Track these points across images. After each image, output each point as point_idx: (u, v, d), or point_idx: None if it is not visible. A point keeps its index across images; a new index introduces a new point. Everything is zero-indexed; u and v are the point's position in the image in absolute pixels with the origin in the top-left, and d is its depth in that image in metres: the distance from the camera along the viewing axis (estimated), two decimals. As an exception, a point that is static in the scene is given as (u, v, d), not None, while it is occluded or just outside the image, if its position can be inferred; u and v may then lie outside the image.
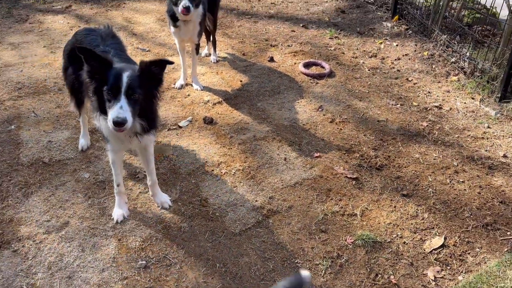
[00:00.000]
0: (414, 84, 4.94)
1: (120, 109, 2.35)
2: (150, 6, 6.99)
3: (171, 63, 2.59)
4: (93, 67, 2.46)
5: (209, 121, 4.19)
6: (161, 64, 2.53)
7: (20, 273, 2.66)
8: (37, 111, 4.18)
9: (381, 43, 5.83)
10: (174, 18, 4.27)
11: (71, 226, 3.00)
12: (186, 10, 3.91)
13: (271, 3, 7.32)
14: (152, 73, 2.52)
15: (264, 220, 3.12)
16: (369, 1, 7.02)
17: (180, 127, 4.11)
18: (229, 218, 3.12)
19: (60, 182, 3.36)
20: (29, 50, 5.35)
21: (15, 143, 3.76)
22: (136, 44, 5.64)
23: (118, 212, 3.07)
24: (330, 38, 5.94)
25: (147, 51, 5.50)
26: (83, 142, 3.72)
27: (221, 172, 3.56)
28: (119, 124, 2.34)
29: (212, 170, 3.58)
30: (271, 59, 5.34)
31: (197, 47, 4.66)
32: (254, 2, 7.39)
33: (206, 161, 3.67)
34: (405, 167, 3.68)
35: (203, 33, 4.81)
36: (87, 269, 2.71)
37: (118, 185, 3.05)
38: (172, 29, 4.39)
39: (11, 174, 3.42)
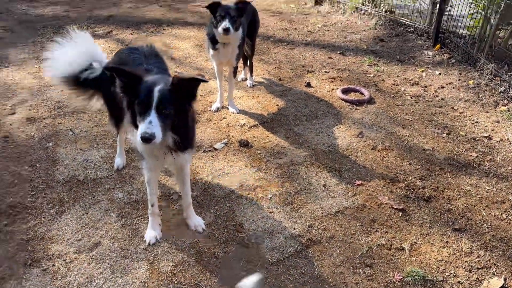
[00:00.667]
0: (460, 113, 4.69)
1: (149, 124, 2.27)
2: (189, 32, 7.11)
3: (206, 81, 2.40)
4: (124, 82, 2.41)
5: (244, 144, 4.07)
6: (194, 82, 2.42)
7: (48, 294, 2.55)
8: (74, 129, 4.19)
9: (422, 71, 5.64)
10: (213, 41, 4.26)
11: (103, 246, 2.89)
12: (226, 31, 3.90)
13: (308, 31, 7.30)
14: (185, 88, 2.41)
15: (304, 250, 2.91)
16: (409, 30, 6.88)
17: (216, 149, 4.01)
18: (266, 246, 2.94)
19: (94, 201, 3.29)
20: (70, 71, 5.46)
21: (52, 160, 3.74)
22: (175, 68, 5.67)
23: (151, 234, 2.96)
24: (368, 65, 5.81)
25: (185, 74, 5.51)
26: (119, 161, 3.67)
27: (257, 197, 3.40)
28: (146, 140, 2.26)
29: (248, 194, 3.42)
30: (308, 85, 5.24)
31: (235, 71, 4.63)
32: (290, 30, 7.40)
33: (241, 185, 3.53)
34: (456, 199, 3.41)
35: (240, 58, 4.78)
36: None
37: (152, 205, 2.95)
38: (211, 52, 4.38)
39: (46, 190, 3.38)
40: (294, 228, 3.08)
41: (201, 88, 5.14)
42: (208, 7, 4.09)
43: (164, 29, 7.17)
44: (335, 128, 4.35)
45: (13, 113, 4.46)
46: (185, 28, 7.33)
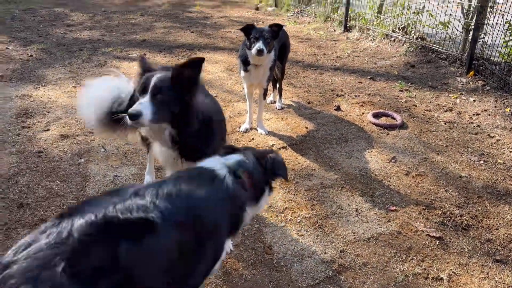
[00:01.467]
0: (497, 140, 4.52)
1: (139, 104, 2.27)
2: (219, 56, 7.23)
3: (202, 60, 2.30)
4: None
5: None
6: (194, 64, 2.32)
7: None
8: (106, 146, 4.25)
9: (456, 97, 5.52)
10: (245, 62, 4.30)
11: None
12: (260, 52, 3.93)
13: (337, 57, 7.31)
14: (186, 77, 2.33)
15: (335, 276, 2.79)
16: (441, 57, 6.79)
17: (244, 170, 3.97)
18: (295, 270, 2.83)
19: (123, 217, 3.28)
20: (104, 91, 5.60)
21: (83, 176, 3.79)
22: (204, 89, 5.74)
23: None
24: (400, 91, 5.73)
25: (215, 97, 5.55)
26: (148, 178, 3.70)
27: (286, 219, 3.32)
28: (132, 116, 2.22)
29: (277, 216, 3.34)
30: (338, 108, 5.19)
31: (265, 93, 4.64)
32: (319, 55, 7.43)
33: (270, 206, 3.46)
34: (496, 229, 3.23)
35: (270, 81, 4.80)
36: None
37: None
38: (242, 73, 4.42)
39: (76, 205, 3.40)
40: (325, 253, 2.96)
41: (230, 109, 5.16)
42: (242, 29, 4.17)
43: (195, 53, 7.32)
44: (367, 152, 4.25)
45: (48, 130, 4.57)
46: (215, 52, 7.47)
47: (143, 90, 2.35)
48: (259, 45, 3.95)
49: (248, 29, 4.11)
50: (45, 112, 4.98)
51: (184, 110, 2.38)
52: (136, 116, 2.22)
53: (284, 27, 4.40)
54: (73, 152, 4.14)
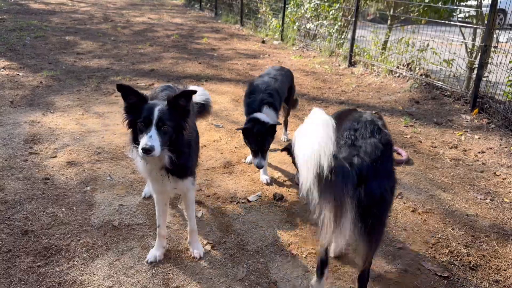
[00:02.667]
0: (503, 179, 4.52)
1: (150, 137, 2.51)
2: (225, 87, 7.35)
3: (195, 92, 2.70)
4: (130, 103, 2.65)
5: (279, 198, 4.02)
6: (186, 96, 2.67)
7: None
8: (112, 175, 4.26)
9: (461, 134, 5.55)
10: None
11: (133, 295, 2.80)
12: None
13: (342, 91, 7.41)
14: (180, 106, 2.67)
15: (342, 314, 2.74)
16: (445, 94, 6.88)
17: (249, 201, 3.97)
18: (301, 307, 2.78)
19: (127, 247, 3.25)
20: (111, 120, 5.67)
21: (88, 204, 3.78)
22: (211, 120, 5.81)
23: (153, 253, 3.15)
24: (405, 126, 5.77)
25: (221, 127, 5.62)
26: (146, 190, 3.93)
27: (292, 254, 3.28)
28: (146, 151, 2.48)
29: (282, 250, 3.31)
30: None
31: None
32: (324, 89, 7.53)
33: (275, 239, 3.43)
34: (504, 270, 3.18)
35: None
36: None
37: (158, 227, 3.14)
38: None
39: (81, 234, 3.38)
40: (331, 290, 2.92)
41: (236, 140, 5.20)
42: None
43: (202, 84, 7.44)
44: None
45: (55, 156, 4.60)
46: (222, 83, 7.59)
47: (147, 122, 2.56)
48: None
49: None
50: (53, 139, 5.02)
51: (179, 135, 2.71)
52: (150, 151, 2.49)
53: (285, 64, 4.46)
54: (79, 180, 4.15)
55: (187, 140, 2.81)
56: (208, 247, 3.30)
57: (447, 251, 3.35)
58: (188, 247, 3.27)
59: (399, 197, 4.07)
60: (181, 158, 2.77)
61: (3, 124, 5.34)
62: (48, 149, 4.75)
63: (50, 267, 3.01)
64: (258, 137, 3.96)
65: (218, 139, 5.19)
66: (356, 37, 8.97)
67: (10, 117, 5.59)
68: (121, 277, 2.96)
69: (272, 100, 4.15)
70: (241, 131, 4.13)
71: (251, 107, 4.15)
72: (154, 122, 2.55)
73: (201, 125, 5.57)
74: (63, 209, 3.68)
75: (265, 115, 4.04)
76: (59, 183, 4.08)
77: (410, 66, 7.77)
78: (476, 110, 6.12)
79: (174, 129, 2.66)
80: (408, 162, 4.76)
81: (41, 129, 5.27)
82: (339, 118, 2.64)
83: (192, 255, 3.21)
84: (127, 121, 2.71)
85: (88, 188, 4.03)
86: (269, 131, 3.99)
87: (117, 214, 3.65)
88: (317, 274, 2.78)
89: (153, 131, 2.54)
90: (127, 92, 2.66)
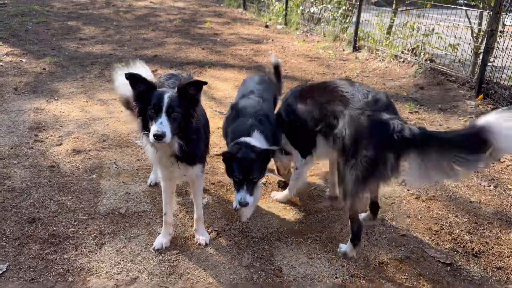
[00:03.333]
0: (508, 166, 4.52)
1: (160, 124, 2.55)
2: (229, 74, 7.32)
3: (205, 83, 2.72)
4: (139, 91, 2.68)
5: (283, 185, 4.04)
6: (196, 85, 2.70)
7: (85, 327, 2.51)
8: (118, 162, 4.29)
9: (466, 121, 5.53)
10: None
11: (140, 282, 2.85)
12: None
13: (346, 76, 7.36)
14: (190, 94, 2.69)
15: (346, 300, 2.78)
16: (450, 79, 6.83)
17: (254, 189, 3.98)
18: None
19: (134, 235, 3.30)
20: (115, 107, 5.68)
21: (95, 191, 3.82)
22: (215, 107, 5.80)
23: (159, 240, 3.19)
24: (409, 112, 5.75)
25: (225, 114, 5.61)
26: (152, 177, 3.94)
27: (296, 240, 3.32)
28: (158, 137, 2.52)
29: (287, 237, 3.35)
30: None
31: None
32: (328, 74, 7.49)
33: (280, 227, 3.47)
34: (507, 256, 3.21)
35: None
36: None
37: (165, 214, 3.17)
38: None
39: (88, 222, 3.42)
40: (336, 277, 2.95)
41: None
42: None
43: (206, 70, 7.41)
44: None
45: (60, 144, 4.63)
46: (225, 70, 7.56)
47: (157, 109, 2.59)
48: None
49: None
50: (58, 126, 5.04)
51: (188, 123, 2.74)
52: (161, 137, 2.53)
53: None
54: (85, 168, 4.18)
55: (195, 127, 2.84)
56: (214, 235, 3.34)
57: (450, 238, 3.38)
58: (194, 234, 3.31)
59: (403, 184, 4.09)
60: (190, 145, 2.80)
61: (8, 112, 5.36)
62: (53, 137, 4.78)
63: (58, 254, 3.06)
64: (245, 163, 2.98)
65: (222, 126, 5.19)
66: (360, 21, 8.87)
67: (15, 104, 5.60)
68: (128, 264, 3.01)
69: (262, 126, 3.24)
70: (221, 158, 3.15)
71: (237, 131, 3.20)
72: (164, 108, 2.58)
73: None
74: (70, 197, 3.72)
75: (254, 140, 3.12)
76: (65, 171, 4.11)
77: (415, 51, 7.69)
78: (481, 96, 6.08)
79: (183, 116, 2.68)
80: (412, 149, 4.75)
81: (45, 117, 5.29)
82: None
83: (198, 242, 3.25)
84: (136, 109, 2.73)
85: (94, 175, 4.06)
86: (261, 156, 3.03)
87: (123, 201, 3.69)
88: None
89: (163, 118, 2.57)
90: (136, 80, 2.67)
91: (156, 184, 3.87)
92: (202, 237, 3.27)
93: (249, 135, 3.15)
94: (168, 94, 2.63)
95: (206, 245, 3.23)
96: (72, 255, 3.06)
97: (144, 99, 2.66)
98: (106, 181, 3.98)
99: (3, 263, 2.94)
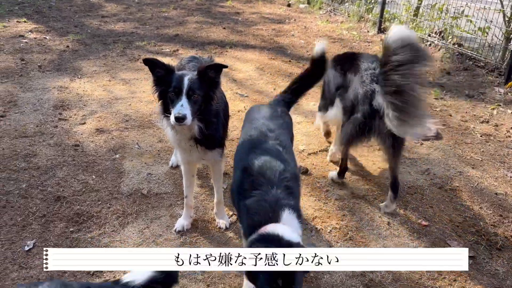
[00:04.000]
0: (536, 157, 4.39)
1: (181, 106, 2.57)
2: (250, 55, 7.23)
3: (226, 66, 2.73)
4: (158, 76, 2.71)
5: (303, 171, 4.02)
6: (216, 68, 2.70)
7: (108, 306, 2.59)
8: (140, 143, 4.33)
9: (493, 108, 5.37)
10: None
11: (162, 263, 2.91)
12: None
13: (370, 60, 7.20)
14: (209, 77, 2.70)
15: (365, 289, 2.78)
16: (478, 65, 6.61)
17: (274, 174, 3.98)
18: (325, 282, 2.83)
19: (156, 216, 3.35)
20: (138, 87, 5.70)
21: (118, 172, 3.87)
22: (236, 89, 5.77)
23: (180, 222, 3.23)
24: (435, 99, 5.61)
25: (245, 96, 5.58)
26: (174, 159, 3.97)
27: (316, 228, 3.32)
28: (179, 119, 2.55)
29: (306, 225, 3.35)
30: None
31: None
32: (352, 57, 7.32)
33: (300, 214, 3.46)
34: (532, 251, 3.15)
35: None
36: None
37: (186, 197, 3.22)
38: None
39: (111, 201, 3.49)
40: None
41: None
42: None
43: (227, 51, 7.34)
44: (400, 162, 4.18)
45: (84, 123, 4.69)
46: (247, 50, 7.47)
47: (178, 91, 2.61)
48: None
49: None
50: (81, 105, 5.10)
51: (208, 105, 2.75)
52: (182, 119, 2.56)
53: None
54: (108, 147, 4.23)
55: (215, 110, 2.85)
56: (234, 218, 3.36)
57: (473, 230, 3.32)
58: (215, 218, 3.34)
59: (426, 173, 4.01)
60: (209, 128, 2.82)
61: (33, 89, 5.44)
62: (77, 116, 4.84)
63: (82, 233, 3.14)
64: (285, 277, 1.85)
65: (243, 109, 5.17)
66: (386, 1, 8.59)
67: (39, 82, 5.68)
68: (150, 244, 3.07)
69: (294, 198, 2.25)
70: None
71: (258, 213, 2.15)
72: (184, 91, 2.61)
73: (225, 94, 5.54)
74: (94, 176, 3.78)
75: (287, 228, 2.05)
76: (89, 150, 4.18)
77: (442, 34, 7.44)
78: (510, 83, 5.87)
79: (203, 98, 2.70)
80: (437, 137, 4.65)
81: (69, 95, 5.35)
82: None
83: (218, 226, 3.28)
84: (157, 93, 2.76)
85: (117, 156, 4.11)
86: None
87: (145, 182, 3.74)
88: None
89: (184, 100, 2.60)
90: (154, 66, 2.70)
91: (178, 166, 3.90)
92: (222, 221, 3.30)
93: (277, 219, 2.09)
94: (188, 76, 2.64)
95: (226, 228, 3.26)
96: (96, 234, 3.14)
97: (164, 82, 2.68)
98: (129, 161, 4.03)
99: (30, 239, 3.04)
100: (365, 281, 2.84)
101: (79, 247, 3.02)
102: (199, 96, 2.66)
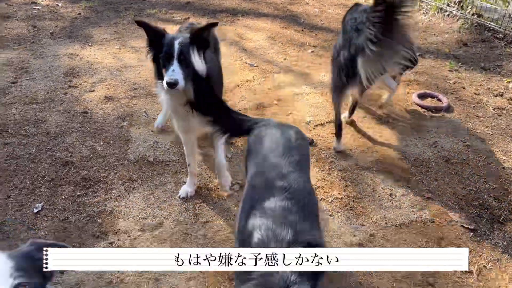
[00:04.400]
0: (549, 131, 4.28)
1: (173, 71, 2.57)
2: (262, 24, 7.11)
3: (216, 24, 2.70)
4: (150, 38, 2.69)
5: (309, 142, 4.01)
6: (208, 29, 2.68)
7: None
8: (148, 111, 4.37)
9: (509, 82, 5.21)
10: None
11: (165, 227, 2.99)
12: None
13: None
14: (202, 39, 2.66)
15: (363, 258, 2.82)
16: (497, 36, 6.37)
17: (280, 144, 3.98)
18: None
19: (161, 182, 3.42)
20: (147, 55, 5.68)
21: (125, 139, 3.93)
22: (245, 59, 5.71)
23: (184, 189, 3.28)
24: (449, 71, 5.46)
25: (255, 66, 5.53)
26: (160, 118, 4.03)
27: (318, 198, 3.34)
28: (171, 85, 2.56)
29: (309, 194, 3.37)
30: (381, 87, 5.03)
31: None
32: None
33: (303, 184, 3.48)
34: (536, 226, 3.13)
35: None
36: (175, 275, 2.65)
37: (189, 165, 3.24)
38: None
39: (117, 167, 3.56)
40: (355, 235, 2.99)
41: (270, 81, 5.12)
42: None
43: (238, 19, 7.22)
44: (408, 134, 4.14)
45: (93, 90, 4.73)
46: (259, 19, 7.33)
47: (169, 56, 2.60)
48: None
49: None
50: (91, 73, 5.13)
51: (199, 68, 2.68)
52: (174, 84, 2.57)
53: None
54: (116, 115, 4.29)
55: (210, 74, 2.82)
56: (237, 187, 3.41)
57: (477, 203, 3.30)
58: (218, 185, 3.39)
59: (434, 146, 3.97)
60: (202, 91, 2.77)
61: (44, 56, 5.49)
62: (87, 83, 4.89)
63: (89, 197, 3.23)
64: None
65: (252, 79, 5.14)
66: (405, -31, 8.25)
67: (50, 49, 5.71)
68: (155, 210, 3.14)
69: (311, 279, 1.66)
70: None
71: None
72: (175, 55, 2.59)
73: (235, 64, 5.51)
74: (101, 143, 3.85)
75: None
76: (97, 117, 4.24)
77: (461, 4, 7.16)
78: (530, 55, 5.66)
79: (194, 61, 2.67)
80: (448, 109, 4.56)
81: (79, 62, 5.39)
82: None
83: (220, 189, 3.33)
84: (151, 55, 2.76)
85: (125, 123, 4.17)
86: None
87: (151, 150, 3.79)
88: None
89: (175, 65, 2.59)
90: (146, 28, 2.69)
91: (163, 128, 4.03)
92: (224, 183, 3.34)
93: None
94: (179, 40, 2.61)
95: (227, 192, 3.32)
96: (102, 199, 3.23)
97: (157, 46, 2.66)
98: (136, 129, 4.08)
99: (39, 202, 3.14)
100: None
101: (85, 210, 3.11)
102: (190, 59, 2.61)
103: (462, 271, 2.74)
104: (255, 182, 2.07)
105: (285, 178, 1.98)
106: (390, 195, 3.36)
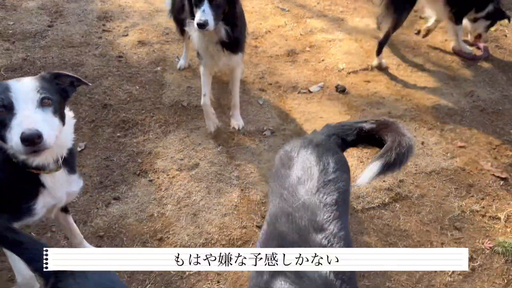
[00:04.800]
0: None
1: (203, 12, 2.64)
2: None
3: None
4: None
5: (341, 90, 4.00)
6: None
7: (153, 201, 2.88)
8: (180, 57, 4.40)
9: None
10: None
11: (201, 168, 3.13)
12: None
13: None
14: None
15: (391, 203, 2.90)
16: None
17: (311, 92, 4.00)
18: (352, 193, 2.97)
19: (195, 126, 3.53)
20: (178, -1, 5.62)
21: (160, 83, 4.02)
22: (277, 3, 5.57)
23: (209, 123, 3.35)
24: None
25: (287, 11, 5.41)
26: (182, 62, 4.16)
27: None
28: (201, 25, 2.65)
29: (340, 141, 3.42)
30: (418, 32, 4.87)
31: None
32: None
33: (334, 130, 3.52)
34: None
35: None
36: (211, 210, 2.82)
37: (204, 95, 3.30)
38: None
39: (154, 111, 3.68)
40: (384, 181, 3.05)
41: (302, 26, 5.02)
42: None
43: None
44: (443, 83, 4.06)
45: (126, 35, 4.78)
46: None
47: None
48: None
49: None
50: (123, 17, 5.15)
51: (231, 9, 2.81)
52: (204, 25, 2.66)
53: None
54: (150, 60, 4.35)
55: (240, 14, 2.93)
56: (268, 133, 3.48)
57: (510, 153, 3.28)
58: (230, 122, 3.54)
59: (470, 95, 3.89)
60: (235, 31, 2.91)
61: (77, 0, 5.51)
62: (120, 27, 4.93)
63: (128, 138, 3.39)
64: None
65: (283, 24, 5.05)
66: None
67: (83, -7, 5.72)
68: (191, 151, 3.28)
69: None
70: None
71: None
72: None
73: (266, 8, 5.40)
74: (137, 87, 3.96)
75: None
76: (132, 62, 4.31)
77: None
78: None
79: (226, 2, 2.76)
80: (487, 58, 4.41)
81: (112, 6, 5.40)
82: None
83: (232, 126, 3.49)
84: None
85: (159, 68, 4.24)
86: None
87: (185, 95, 3.88)
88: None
89: (205, 5, 2.66)
90: None
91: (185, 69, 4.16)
92: (237, 122, 3.49)
93: None
94: None
95: (239, 130, 3.46)
96: (141, 140, 3.38)
97: None
98: (170, 74, 4.15)
99: (81, 141, 3.32)
100: (391, 194, 2.95)
101: (126, 150, 3.28)
102: (221, 1, 2.72)
103: (490, 217, 2.79)
104: (280, 226, 1.61)
105: (322, 231, 1.53)
106: (422, 143, 3.37)
